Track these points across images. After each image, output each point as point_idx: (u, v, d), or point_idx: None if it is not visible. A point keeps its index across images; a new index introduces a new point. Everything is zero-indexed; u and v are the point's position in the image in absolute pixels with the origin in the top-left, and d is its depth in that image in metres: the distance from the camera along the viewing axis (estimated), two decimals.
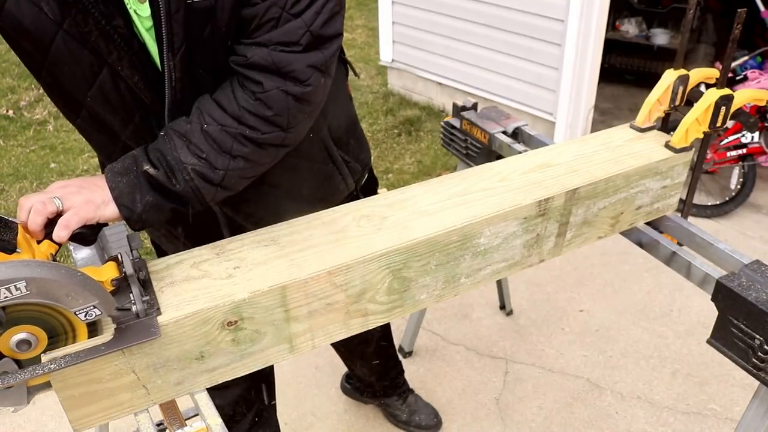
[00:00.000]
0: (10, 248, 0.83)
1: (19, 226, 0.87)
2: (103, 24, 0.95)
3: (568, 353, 2.49)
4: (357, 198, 1.29)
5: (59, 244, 0.92)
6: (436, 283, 1.15)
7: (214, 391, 1.05)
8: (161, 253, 1.49)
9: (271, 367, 1.77)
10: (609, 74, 4.51)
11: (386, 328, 1.98)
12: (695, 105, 1.37)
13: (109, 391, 0.91)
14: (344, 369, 2.26)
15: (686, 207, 1.52)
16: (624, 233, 1.48)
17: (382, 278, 1.07)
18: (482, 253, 1.18)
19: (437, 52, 4.14)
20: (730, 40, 1.30)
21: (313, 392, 2.34)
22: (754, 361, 1.18)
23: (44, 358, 0.83)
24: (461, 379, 2.39)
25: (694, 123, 1.37)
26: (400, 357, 2.42)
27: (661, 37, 4.45)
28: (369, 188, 1.52)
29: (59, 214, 0.93)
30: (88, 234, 0.94)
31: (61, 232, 0.91)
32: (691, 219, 2.42)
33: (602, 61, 3.65)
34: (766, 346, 1.15)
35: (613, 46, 4.48)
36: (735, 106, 1.38)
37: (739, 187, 3.26)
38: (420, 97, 4.49)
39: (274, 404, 1.85)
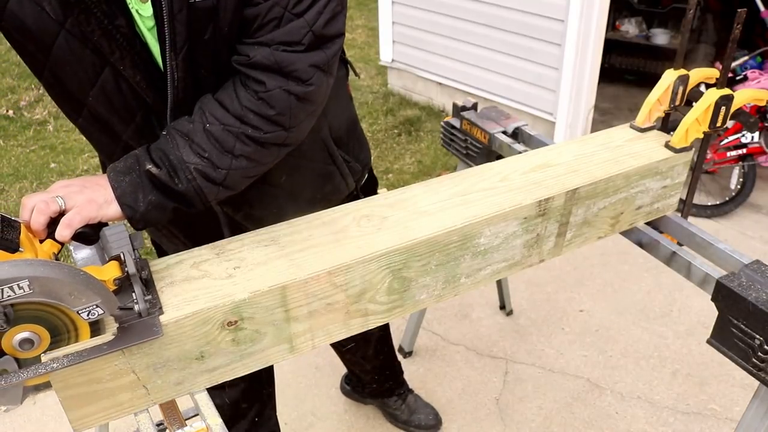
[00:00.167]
0: (13, 247, 0.83)
1: (21, 225, 0.87)
2: (105, 24, 0.96)
3: (568, 353, 2.49)
4: (357, 198, 1.29)
5: (62, 244, 0.92)
6: (436, 283, 1.15)
7: (214, 391, 1.05)
8: (161, 253, 1.49)
9: (271, 367, 1.77)
10: (609, 74, 4.52)
11: (385, 328, 1.98)
12: (695, 105, 1.37)
13: (109, 391, 0.91)
14: (344, 369, 2.26)
15: (686, 207, 1.52)
16: (624, 233, 1.48)
17: (382, 278, 1.07)
18: (482, 253, 1.18)
19: (437, 52, 4.14)
20: (730, 40, 1.30)
21: (313, 392, 2.34)
22: (754, 361, 1.18)
23: (45, 358, 0.83)
24: (461, 379, 2.39)
25: (694, 123, 1.37)
26: (400, 357, 2.42)
27: (661, 37, 4.45)
28: (369, 188, 1.52)
29: (62, 214, 0.93)
30: (90, 233, 0.94)
31: (63, 232, 0.91)
32: (691, 219, 2.42)
33: (602, 61, 3.65)
34: (766, 346, 1.15)
35: (613, 46, 4.48)
36: (735, 106, 1.38)
37: (739, 187, 3.26)
38: (420, 97, 4.49)
39: (274, 404, 1.85)
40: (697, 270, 1.35)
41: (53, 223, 0.92)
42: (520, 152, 1.64)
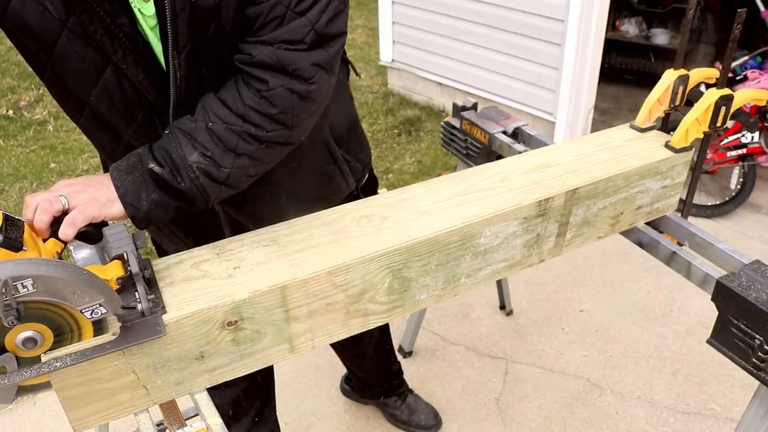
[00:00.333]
0: (17, 246, 0.83)
1: (25, 224, 0.87)
2: (108, 23, 0.96)
3: (568, 353, 2.49)
4: (358, 198, 1.29)
5: (65, 243, 0.92)
6: (436, 283, 1.15)
7: (214, 391, 1.05)
8: (162, 252, 1.49)
9: (271, 367, 1.77)
10: (609, 74, 4.51)
11: (385, 328, 1.98)
12: (695, 105, 1.37)
13: (109, 391, 0.91)
14: (344, 369, 2.26)
15: (686, 207, 1.52)
16: (624, 233, 1.48)
17: (382, 278, 1.07)
18: (482, 253, 1.18)
19: (437, 52, 4.14)
20: (730, 40, 1.30)
21: (313, 392, 2.34)
22: (754, 361, 1.18)
23: (45, 357, 0.83)
24: (461, 379, 2.39)
25: (694, 123, 1.37)
26: (400, 357, 2.42)
27: (661, 37, 4.45)
28: (369, 188, 1.52)
29: (65, 213, 0.93)
30: (93, 232, 0.94)
31: (67, 231, 0.91)
32: (691, 219, 2.41)
33: (602, 61, 3.65)
34: (766, 346, 1.15)
35: (613, 46, 4.47)
36: (735, 106, 1.38)
37: (739, 187, 3.26)
38: (420, 97, 4.49)
39: (274, 404, 1.85)
40: (697, 270, 1.35)
41: (56, 222, 0.92)
42: (520, 152, 1.64)
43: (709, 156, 3.24)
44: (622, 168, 1.30)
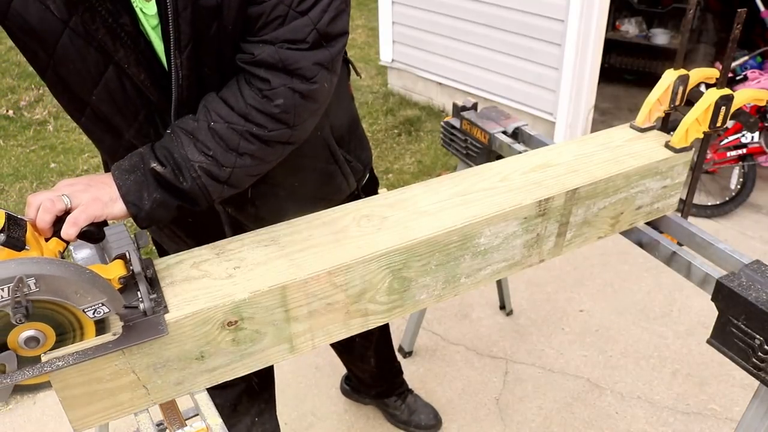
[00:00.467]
0: (20, 245, 0.83)
1: (27, 223, 0.88)
2: (109, 22, 0.96)
3: (568, 353, 2.49)
4: (358, 197, 1.29)
5: (67, 242, 0.92)
6: (436, 283, 1.15)
7: (214, 391, 1.05)
8: (163, 252, 1.49)
9: (271, 367, 1.77)
10: (609, 74, 4.51)
11: (385, 328, 1.98)
12: (695, 105, 1.37)
13: (109, 391, 0.91)
14: (344, 369, 2.26)
15: (686, 207, 1.52)
16: (624, 233, 1.48)
17: (382, 278, 1.07)
18: (482, 253, 1.18)
19: (437, 52, 4.14)
20: (730, 40, 1.30)
21: (313, 392, 2.34)
22: (754, 361, 1.18)
23: (46, 357, 0.83)
24: (461, 379, 2.39)
25: (694, 123, 1.37)
26: (400, 357, 2.42)
27: (661, 37, 4.45)
28: (370, 188, 1.52)
29: (67, 212, 0.93)
30: (95, 232, 0.94)
31: (69, 230, 0.91)
32: (691, 219, 2.42)
33: (602, 61, 3.65)
34: (766, 346, 1.15)
35: (613, 46, 4.47)
36: (735, 106, 1.38)
37: (739, 187, 3.26)
38: (420, 97, 4.49)
39: (274, 404, 1.85)
40: (697, 270, 1.35)
41: (59, 221, 0.92)
42: (520, 152, 1.64)
43: (709, 156, 3.24)
44: (622, 168, 1.30)
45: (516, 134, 1.78)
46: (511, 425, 2.20)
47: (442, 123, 1.99)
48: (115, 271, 0.91)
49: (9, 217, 0.84)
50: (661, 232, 1.48)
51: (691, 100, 1.44)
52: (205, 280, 0.98)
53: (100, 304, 0.83)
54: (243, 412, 1.73)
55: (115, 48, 0.98)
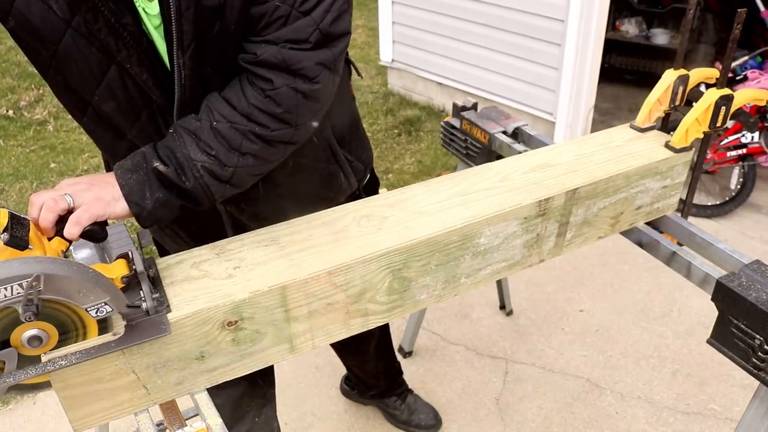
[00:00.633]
0: (23, 245, 0.83)
1: (30, 222, 0.88)
2: (112, 22, 0.96)
3: (568, 353, 2.49)
4: (359, 197, 1.29)
5: (70, 241, 0.92)
6: (436, 283, 1.15)
7: (214, 391, 1.05)
8: (164, 252, 1.49)
9: (271, 367, 1.77)
10: (609, 74, 4.51)
11: (385, 328, 1.98)
12: (695, 105, 1.37)
13: (109, 391, 0.91)
14: (344, 369, 2.26)
15: (686, 207, 1.52)
16: (624, 233, 1.48)
17: (382, 278, 1.07)
18: (482, 253, 1.18)
19: (437, 52, 4.14)
20: (730, 40, 1.30)
21: (313, 392, 2.34)
22: (754, 361, 1.18)
23: (45, 357, 0.83)
24: (461, 379, 2.39)
25: (694, 123, 1.37)
26: (400, 357, 2.42)
27: (661, 37, 4.45)
28: (371, 188, 1.53)
29: (70, 212, 0.93)
30: (98, 231, 0.95)
31: (72, 229, 0.91)
32: (691, 219, 2.41)
33: (602, 61, 3.65)
34: (766, 346, 1.15)
35: (613, 46, 4.47)
36: (735, 106, 1.38)
37: (739, 187, 3.26)
38: (420, 97, 4.49)
39: (275, 404, 1.85)
40: (697, 270, 1.35)
41: (61, 220, 0.92)
42: (520, 152, 1.64)
43: (709, 156, 3.23)
44: (622, 168, 1.30)
45: (516, 134, 1.78)
46: (511, 425, 2.20)
47: (442, 123, 1.99)
48: (117, 270, 0.91)
49: (12, 217, 0.84)
50: (661, 232, 1.48)
51: (691, 100, 1.44)
52: (205, 280, 0.98)
53: (103, 304, 0.83)
54: (243, 412, 1.73)
55: (117, 48, 0.98)
